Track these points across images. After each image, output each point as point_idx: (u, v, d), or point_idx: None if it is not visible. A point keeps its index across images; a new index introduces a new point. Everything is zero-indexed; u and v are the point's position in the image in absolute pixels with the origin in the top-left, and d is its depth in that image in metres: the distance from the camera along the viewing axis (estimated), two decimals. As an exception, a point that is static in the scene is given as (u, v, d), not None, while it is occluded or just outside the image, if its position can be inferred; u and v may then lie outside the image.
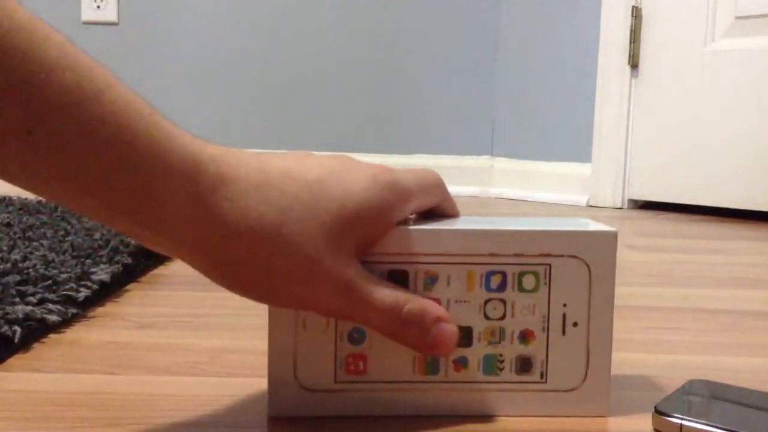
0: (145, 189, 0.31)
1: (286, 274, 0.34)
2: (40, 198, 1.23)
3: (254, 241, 0.33)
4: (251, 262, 0.34)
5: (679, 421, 0.36)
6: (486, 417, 0.38)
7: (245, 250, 0.33)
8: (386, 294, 0.36)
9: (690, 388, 0.41)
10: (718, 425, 0.35)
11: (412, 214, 0.39)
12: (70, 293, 0.59)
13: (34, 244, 0.78)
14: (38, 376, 0.45)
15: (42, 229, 0.89)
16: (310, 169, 0.35)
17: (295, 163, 0.35)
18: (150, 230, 0.33)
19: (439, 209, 0.41)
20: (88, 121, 0.30)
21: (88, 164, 0.30)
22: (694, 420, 0.36)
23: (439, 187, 0.40)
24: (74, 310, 0.57)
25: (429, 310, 0.37)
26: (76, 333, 0.54)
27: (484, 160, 2.08)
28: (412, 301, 0.36)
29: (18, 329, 0.49)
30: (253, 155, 0.35)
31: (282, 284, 0.35)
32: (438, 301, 0.38)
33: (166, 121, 0.32)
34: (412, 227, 0.38)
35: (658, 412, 0.37)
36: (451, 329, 0.37)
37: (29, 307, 0.53)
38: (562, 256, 0.38)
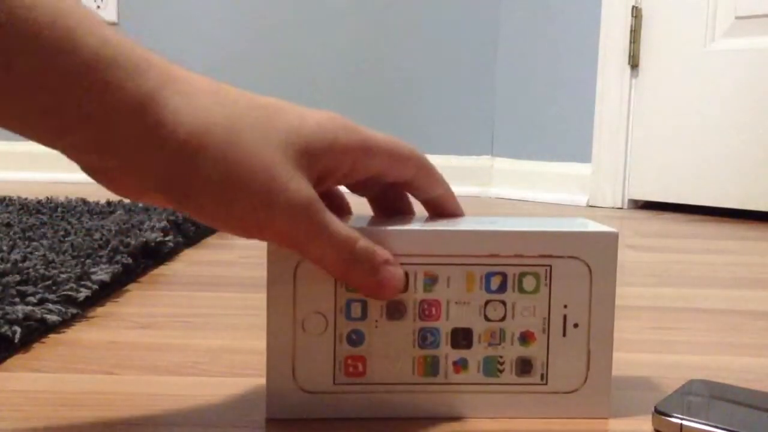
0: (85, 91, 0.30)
1: (242, 184, 0.32)
2: (40, 198, 1.23)
3: (209, 142, 0.31)
4: (206, 167, 0.32)
5: (679, 421, 0.36)
6: (486, 419, 0.38)
7: (198, 153, 0.31)
8: (341, 227, 0.35)
9: (690, 388, 0.41)
10: (718, 425, 0.35)
11: (378, 180, 0.38)
12: (70, 293, 0.59)
13: (34, 244, 0.78)
14: (38, 376, 0.45)
15: (42, 229, 0.89)
16: (264, 97, 0.35)
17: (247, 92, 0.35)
18: (94, 143, 0.31)
19: (431, 196, 0.40)
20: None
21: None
22: (694, 420, 0.36)
23: (411, 159, 0.38)
24: (74, 310, 0.57)
25: (378, 251, 0.36)
26: (76, 333, 0.54)
27: (484, 160, 2.08)
28: (363, 239, 0.35)
29: (18, 329, 0.49)
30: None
31: (237, 198, 0.32)
32: (437, 302, 0.38)
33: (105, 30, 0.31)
34: (412, 227, 0.38)
35: (658, 412, 0.37)
36: (398, 273, 0.36)
37: (29, 307, 0.53)
38: (562, 257, 0.38)
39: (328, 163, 0.35)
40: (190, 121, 0.31)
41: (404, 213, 0.42)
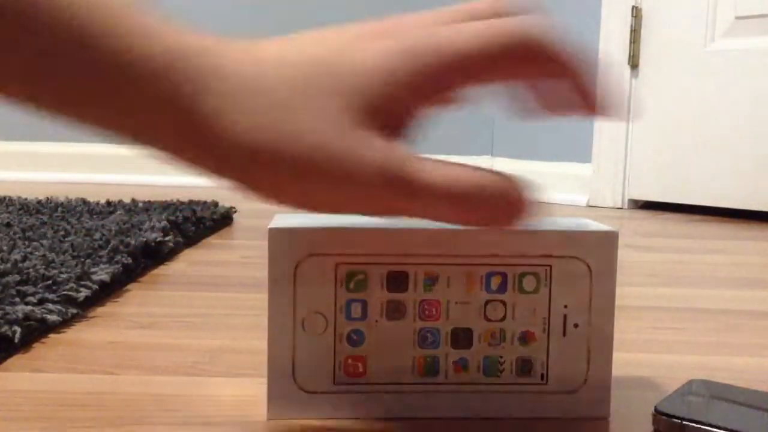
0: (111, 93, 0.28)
1: (314, 175, 0.29)
2: (40, 198, 1.23)
3: (260, 143, 0.29)
4: (271, 170, 0.29)
5: (679, 421, 0.36)
6: (486, 419, 0.38)
7: (257, 157, 0.29)
8: (441, 171, 0.30)
9: (690, 388, 0.41)
10: (718, 425, 0.35)
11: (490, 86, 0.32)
12: (70, 293, 0.59)
13: (34, 244, 0.78)
14: (38, 376, 0.45)
15: (42, 229, 0.89)
16: (302, 56, 0.30)
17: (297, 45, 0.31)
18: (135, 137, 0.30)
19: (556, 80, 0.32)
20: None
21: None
22: (694, 420, 0.36)
23: (528, 40, 0.30)
24: (74, 310, 0.57)
25: (475, 175, 0.30)
26: (76, 333, 0.54)
27: (484, 160, 2.08)
28: (430, 163, 0.30)
29: (18, 329, 0.49)
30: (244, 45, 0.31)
31: (317, 190, 0.30)
32: (438, 302, 0.38)
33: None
34: (413, 227, 0.38)
35: (658, 412, 0.37)
36: (518, 201, 0.31)
37: (29, 307, 0.53)
38: (562, 256, 0.38)
39: (395, 107, 0.30)
40: (234, 124, 0.29)
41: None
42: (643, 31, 1.75)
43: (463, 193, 0.30)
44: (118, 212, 1.08)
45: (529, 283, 0.38)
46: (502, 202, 0.31)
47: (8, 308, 0.51)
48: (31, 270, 0.63)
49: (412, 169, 0.30)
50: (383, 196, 0.30)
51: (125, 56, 0.28)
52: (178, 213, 1.04)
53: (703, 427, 0.35)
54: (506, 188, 0.31)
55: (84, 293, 0.60)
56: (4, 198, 1.23)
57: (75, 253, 0.73)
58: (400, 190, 0.30)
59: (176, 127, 0.29)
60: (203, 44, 0.29)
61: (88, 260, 0.70)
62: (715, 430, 0.35)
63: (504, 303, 0.38)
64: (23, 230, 0.88)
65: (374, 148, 0.29)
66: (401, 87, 0.30)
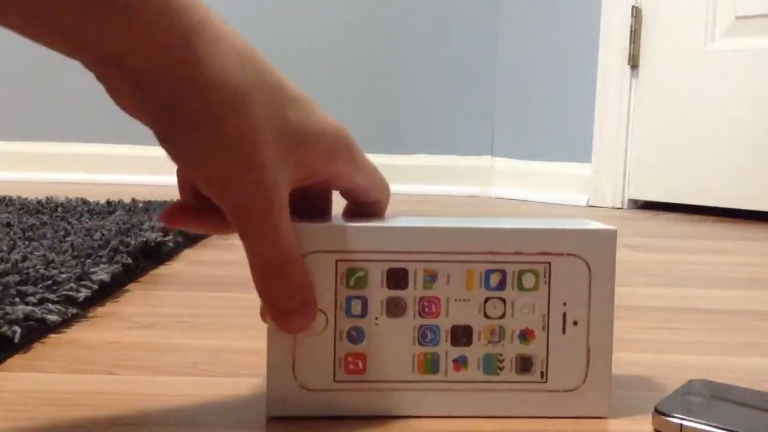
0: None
1: (227, 141, 0.32)
2: (40, 198, 1.23)
3: (216, 96, 0.32)
4: (202, 114, 0.32)
5: (679, 421, 0.36)
6: (486, 417, 0.38)
7: (204, 100, 0.32)
8: (291, 235, 0.34)
9: (690, 388, 0.41)
10: (719, 425, 0.35)
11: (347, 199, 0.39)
12: (70, 293, 0.59)
13: (34, 244, 0.78)
14: (38, 376, 0.45)
15: (42, 229, 0.89)
16: (286, 82, 0.35)
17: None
18: (113, 58, 0.31)
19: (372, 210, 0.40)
20: None
21: None
22: (694, 420, 0.36)
23: (387, 190, 0.40)
24: (74, 310, 0.57)
25: (309, 288, 0.36)
26: (76, 333, 0.54)
27: (484, 160, 2.08)
28: (301, 263, 0.35)
29: (18, 329, 0.49)
30: None
31: (215, 149, 0.32)
32: (437, 299, 0.38)
33: None
34: (412, 224, 0.38)
35: (658, 412, 0.37)
36: (307, 320, 0.36)
37: (29, 307, 0.53)
38: (561, 254, 0.38)
39: (316, 164, 0.35)
40: (209, 78, 0.32)
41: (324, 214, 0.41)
42: (643, 31, 1.75)
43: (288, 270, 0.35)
44: (118, 212, 1.08)
45: (528, 280, 0.38)
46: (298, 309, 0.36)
47: (8, 308, 0.51)
48: (31, 270, 0.63)
49: (280, 209, 0.34)
50: (245, 208, 0.33)
51: None
52: (178, 213, 1.04)
53: (702, 427, 0.35)
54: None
55: (84, 293, 0.60)
56: (4, 198, 1.23)
57: (75, 253, 0.73)
58: (263, 216, 0.33)
59: (163, 56, 0.31)
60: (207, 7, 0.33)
61: (88, 260, 0.70)
62: (714, 430, 0.35)
63: (503, 300, 0.38)
64: (23, 230, 0.88)
65: (274, 170, 0.33)
66: (330, 154, 0.36)
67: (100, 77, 0.33)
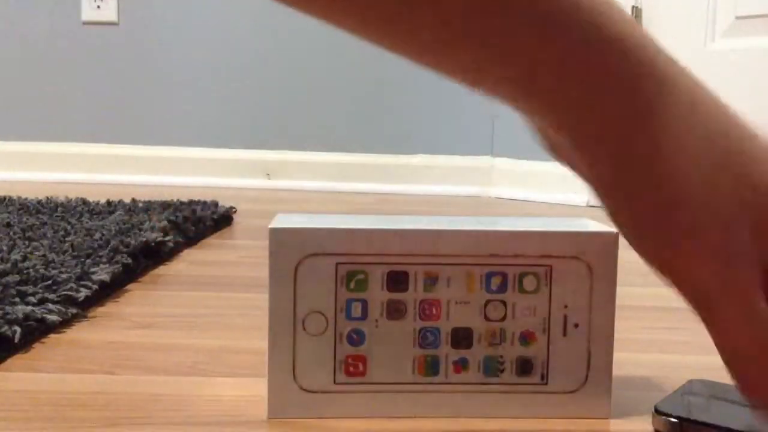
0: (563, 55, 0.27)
1: (688, 221, 0.29)
2: (40, 198, 1.23)
3: (682, 186, 0.28)
4: (655, 189, 0.28)
5: (678, 421, 0.36)
6: (486, 419, 0.38)
7: (665, 184, 0.28)
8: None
9: (690, 388, 0.41)
10: (718, 425, 0.35)
11: None
12: (70, 293, 0.59)
13: (34, 244, 0.78)
14: (38, 376, 0.45)
15: (42, 229, 0.89)
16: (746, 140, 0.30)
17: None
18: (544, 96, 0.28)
19: None
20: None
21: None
22: (694, 420, 0.36)
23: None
24: (74, 310, 0.57)
25: None
26: (76, 333, 0.54)
27: (484, 160, 2.08)
28: None
29: (18, 329, 0.49)
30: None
31: (675, 246, 0.30)
32: (438, 302, 0.38)
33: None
34: (413, 227, 0.38)
35: (658, 412, 0.37)
36: None
37: (29, 307, 0.53)
38: (563, 257, 0.38)
39: None
40: (673, 155, 0.28)
41: None
42: (643, 31, 1.75)
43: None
44: (118, 212, 1.08)
45: (529, 283, 0.38)
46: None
47: (8, 308, 0.51)
48: (31, 270, 0.63)
49: (754, 296, 0.30)
50: (709, 290, 0.31)
51: (596, 30, 0.28)
52: (178, 213, 1.04)
53: (702, 427, 0.35)
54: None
55: (84, 293, 0.60)
56: (4, 198, 1.23)
57: (75, 253, 0.73)
58: (736, 308, 0.31)
59: (620, 110, 0.28)
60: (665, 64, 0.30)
61: (88, 260, 0.70)
62: (714, 429, 0.35)
63: (504, 303, 0.38)
64: (23, 230, 0.87)
65: (746, 256, 0.30)
66: None
67: (525, 111, 0.31)
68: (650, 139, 0.28)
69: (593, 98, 0.28)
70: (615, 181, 0.29)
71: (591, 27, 0.28)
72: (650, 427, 0.38)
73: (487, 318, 0.38)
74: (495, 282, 0.38)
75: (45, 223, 0.94)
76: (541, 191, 1.95)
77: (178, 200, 1.23)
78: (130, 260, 0.73)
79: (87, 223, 0.96)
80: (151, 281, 0.74)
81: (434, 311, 0.38)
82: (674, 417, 0.36)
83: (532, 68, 0.28)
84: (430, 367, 0.38)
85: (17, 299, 0.55)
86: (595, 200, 0.31)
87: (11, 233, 0.85)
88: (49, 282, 0.60)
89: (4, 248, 0.74)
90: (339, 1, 0.28)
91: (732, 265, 0.29)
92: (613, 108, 0.28)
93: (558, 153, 0.32)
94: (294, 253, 0.37)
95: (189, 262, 0.86)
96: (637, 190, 0.29)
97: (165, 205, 1.16)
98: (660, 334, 0.59)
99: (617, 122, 0.28)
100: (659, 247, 0.30)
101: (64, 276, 0.62)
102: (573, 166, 0.32)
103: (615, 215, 0.31)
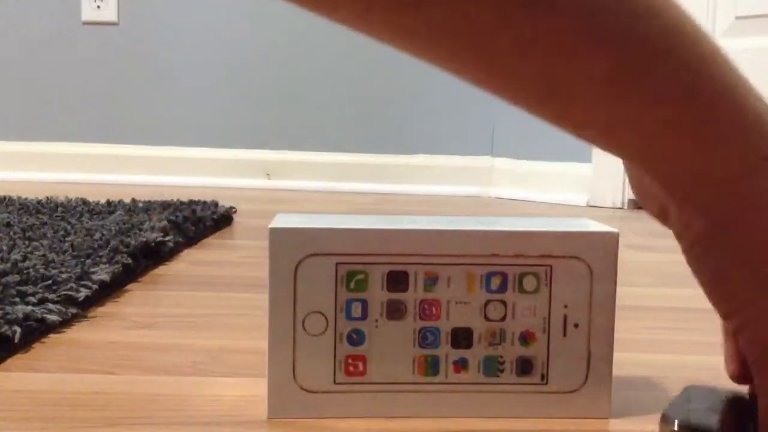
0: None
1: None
2: (40, 198, 1.23)
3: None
4: (742, 256, 0.30)
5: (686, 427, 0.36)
6: (486, 419, 0.38)
7: (750, 244, 0.29)
8: None
9: (692, 393, 0.41)
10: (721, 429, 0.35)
11: None
12: (70, 293, 0.59)
13: (34, 244, 0.78)
14: (38, 376, 0.45)
15: (42, 229, 0.89)
16: None
17: None
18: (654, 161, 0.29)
19: None
20: (672, 69, 0.27)
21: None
22: (700, 424, 0.36)
23: None
24: (74, 310, 0.57)
25: None
26: (76, 333, 0.54)
27: (484, 160, 2.08)
28: None
29: (18, 329, 0.49)
30: None
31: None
32: (438, 302, 0.38)
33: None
34: (413, 227, 0.38)
35: (666, 418, 0.37)
36: None
37: (29, 307, 0.53)
38: (563, 257, 0.38)
39: None
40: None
41: None
42: (643, 31, 1.75)
43: None
44: (118, 212, 1.08)
45: (529, 283, 0.38)
46: None
47: (8, 308, 0.51)
48: (31, 270, 0.63)
49: None
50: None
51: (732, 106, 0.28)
52: (178, 213, 1.04)
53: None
54: None
55: (84, 293, 0.60)
56: (4, 198, 1.23)
57: (75, 253, 0.73)
58: None
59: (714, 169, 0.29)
60: None
61: (88, 260, 0.70)
62: None
63: (504, 303, 0.38)
64: (23, 230, 0.87)
65: None
66: None
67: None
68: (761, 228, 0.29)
69: (713, 169, 0.29)
70: (708, 251, 0.31)
71: (725, 103, 0.28)
72: (650, 427, 0.38)
73: (487, 318, 0.38)
74: (495, 282, 0.38)
75: (45, 223, 0.94)
76: (541, 191, 1.95)
77: (178, 200, 1.23)
78: (130, 260, 0.73)
79: (87, 223, 0.96)
80: (151, 281, 0.74)
81: (434, 311, 0.38)
82: (678, 422, 0.36)
83: (658, 132, 0.28)
84: (430, 367, 0.38)
85: (17, 299, 0.55)
86: (680, 247, 0.32)
87: (11, 233, 0.85)
88: (49, 282, 0.60)
89: (4, 248, 0.74)
90: (486, 66, 0.27)
91: None
92: (731, 185, 0.29)
93: (646, 201, 0.33)
94: (294, 253, 0.37)
95: (189, 262, 0.86)
96: (732, 265, 0.31)
97: (165, 205, 1.16)
98: (660, 334, 0.59)
99: (731, 199, 0.29)
100: (740, 311, 0.33)
101: (64, 276, 0.62)
102: (662, 218, 0.33)
103: (699, 273, 0.33)
